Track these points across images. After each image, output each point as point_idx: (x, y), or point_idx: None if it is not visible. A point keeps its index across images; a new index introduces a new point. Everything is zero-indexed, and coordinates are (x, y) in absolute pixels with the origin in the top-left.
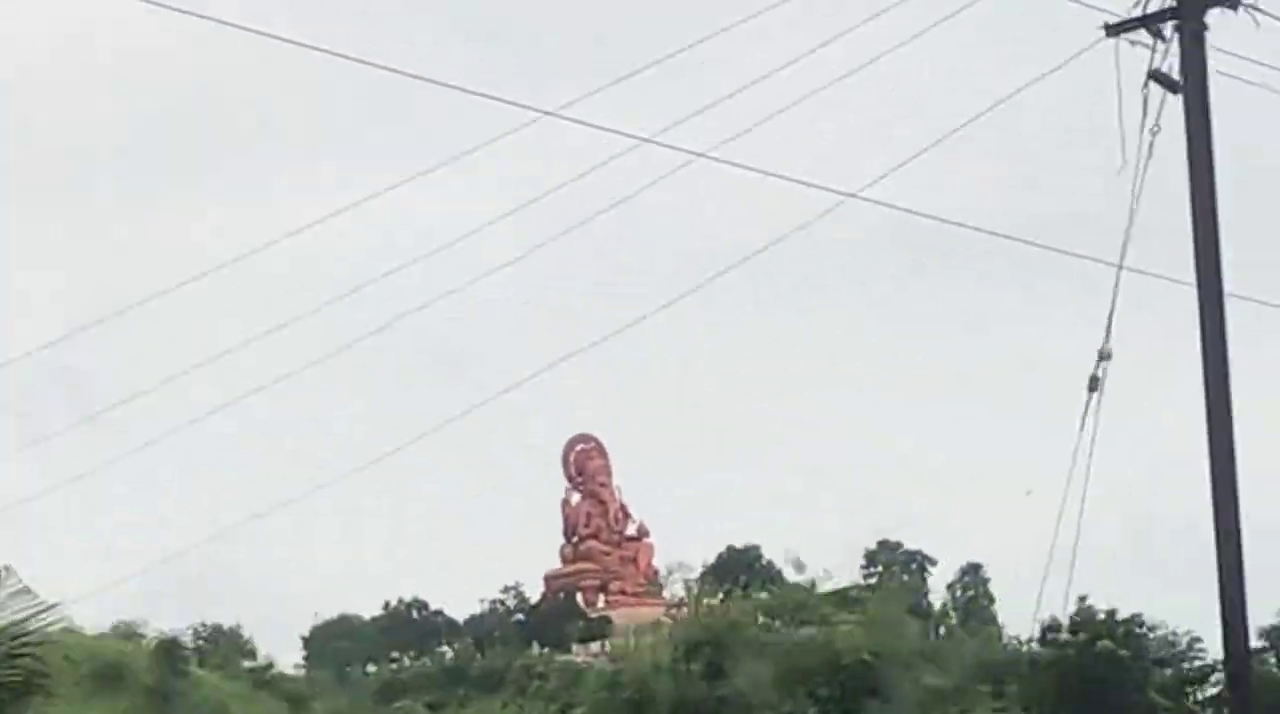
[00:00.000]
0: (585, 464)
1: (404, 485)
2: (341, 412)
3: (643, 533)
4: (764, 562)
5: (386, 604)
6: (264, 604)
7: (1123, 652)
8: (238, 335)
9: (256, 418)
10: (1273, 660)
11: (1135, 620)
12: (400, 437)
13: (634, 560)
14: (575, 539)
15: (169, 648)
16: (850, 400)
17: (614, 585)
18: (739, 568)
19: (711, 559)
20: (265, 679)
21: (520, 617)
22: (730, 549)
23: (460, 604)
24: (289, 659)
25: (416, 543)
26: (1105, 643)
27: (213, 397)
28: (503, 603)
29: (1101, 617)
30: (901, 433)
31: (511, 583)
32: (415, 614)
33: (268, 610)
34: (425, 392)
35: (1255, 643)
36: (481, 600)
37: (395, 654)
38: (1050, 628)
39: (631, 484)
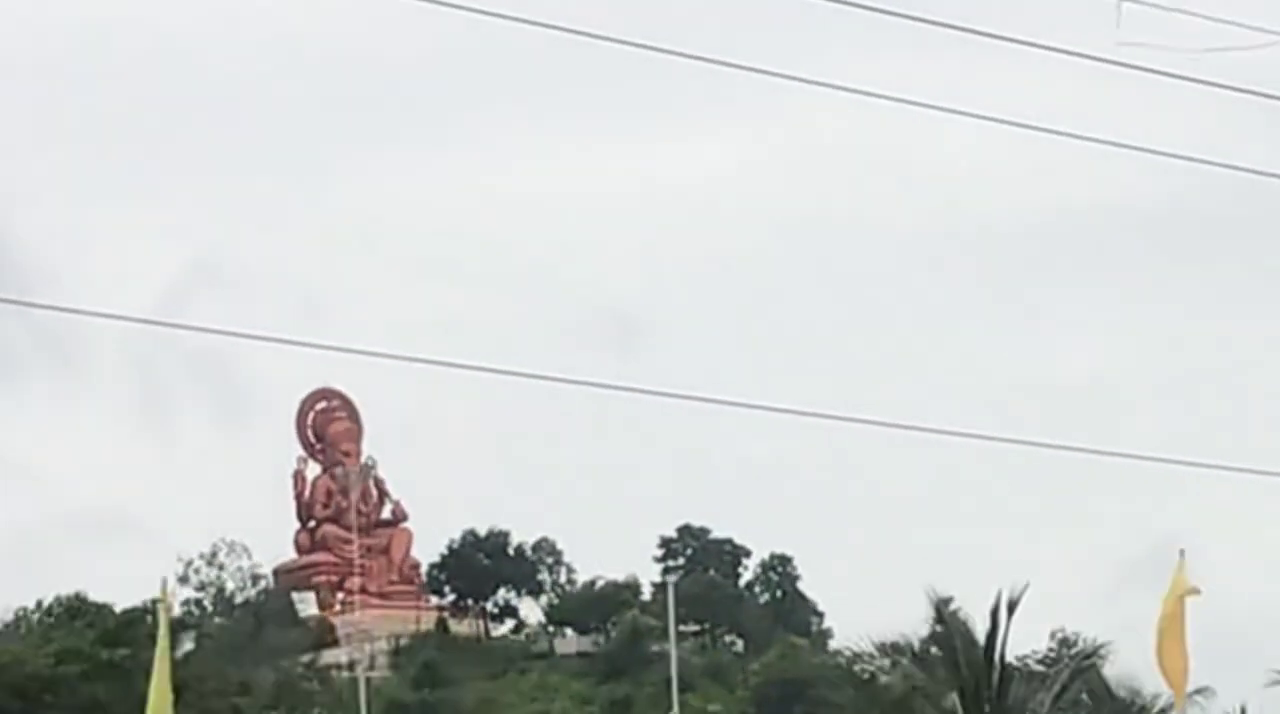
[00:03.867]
0: (326, 428)
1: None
2: None
3: (400, 516)
4: (511, 550)
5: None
6: None
7: None
8: None
9: None
10: None
11: None
12: None
13: (386, 551)
14: (311, 523)
15: None
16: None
17: (352, 582)
18: (478, 557)
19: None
20: None
21: (220, 621)
22: (470, 536)
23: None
24: None
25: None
26: None
27: None
28: (200, 604)
29: None
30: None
31: (213, 579)
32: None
33: None
34: None
35: None
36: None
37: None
38: None
39: (390, 455)
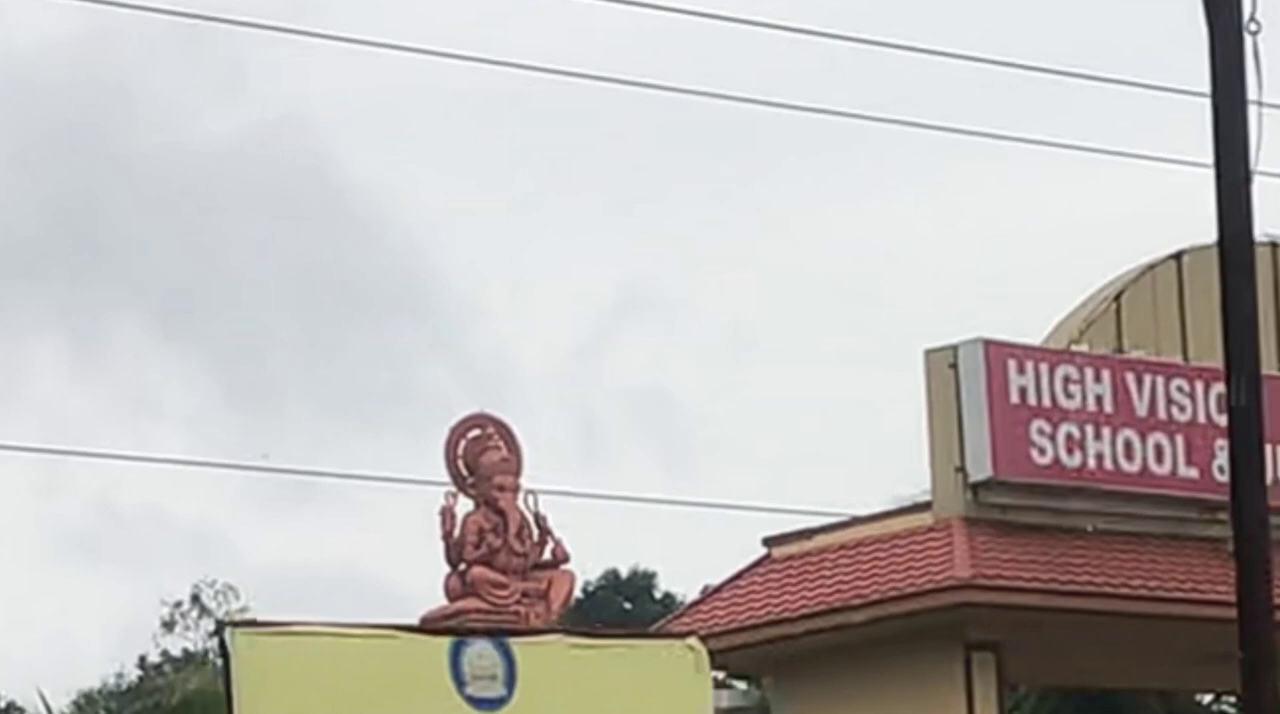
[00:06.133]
0: (479, 458)
1: None
2: None
3: (561, 558)
4: (659, 594)
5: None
6: None
7: None
8: None
9: None
10: None
11: None
12: None
13: (544, 596)
14: (461, 566)
15: None
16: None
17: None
18: (617, 600)
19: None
20: None
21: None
22: (610, 576)
23: None
24: None
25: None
26: None
27: None
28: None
29: None
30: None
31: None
32: None
33: None
34: None
35: None
36: None
37: None
38: None
39: (552, 488)
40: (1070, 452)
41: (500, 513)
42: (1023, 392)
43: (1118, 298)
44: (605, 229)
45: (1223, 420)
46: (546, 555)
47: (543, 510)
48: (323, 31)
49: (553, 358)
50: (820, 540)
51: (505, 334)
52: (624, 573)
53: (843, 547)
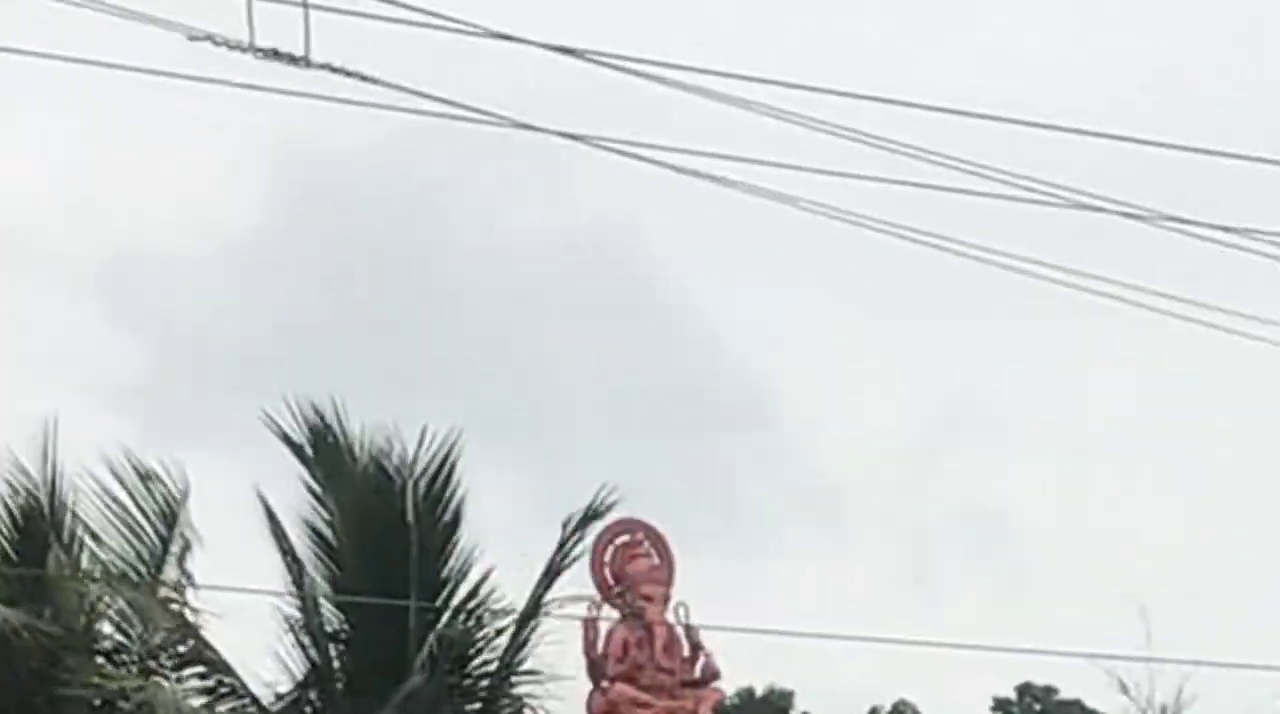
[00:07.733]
0: (626, 567)
1: None
2: None
3: (711, 674)
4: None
5: None
6: None
7: None
8: None
9: None
10: None
11: None
12: None
13: None
14: (605, 683)
15: None
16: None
17: None
18: None
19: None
20: None
21: None
22: (745, 695)
23: None
24: None
25: None
26: None
27: None
28: None
29: None
30: None
31: None
32: None
33: None
34: None
35: None
36: None
37: None
38: None
39: (704, 599)
40: None
41: (648, 627)
42: None
43: None
44: (930, 340)
45: None
46: (696, 672)
47: (691, 622)
48: (652, 145)
49: (882, 476)
50: None
51: (836, 451)
52: (759, 690)
53: None
